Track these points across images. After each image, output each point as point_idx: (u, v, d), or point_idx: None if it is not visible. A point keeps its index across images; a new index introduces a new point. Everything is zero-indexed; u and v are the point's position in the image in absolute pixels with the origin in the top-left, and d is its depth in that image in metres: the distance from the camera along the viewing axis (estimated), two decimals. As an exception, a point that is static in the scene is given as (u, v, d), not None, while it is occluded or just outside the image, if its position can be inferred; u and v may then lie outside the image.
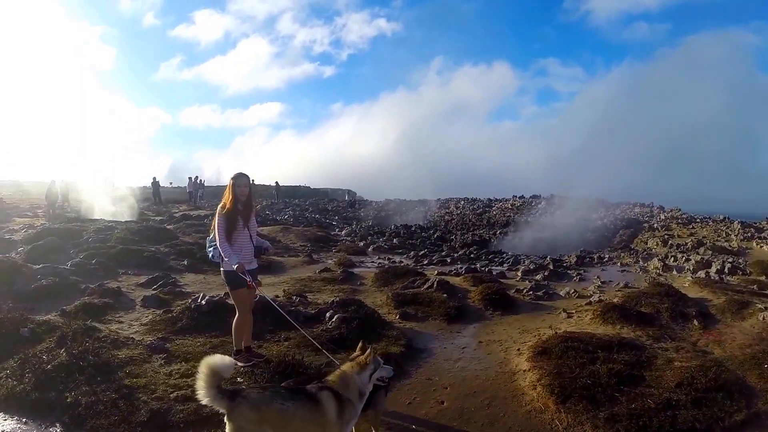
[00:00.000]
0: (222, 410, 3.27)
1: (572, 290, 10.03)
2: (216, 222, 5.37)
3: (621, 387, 4.95)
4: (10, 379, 4.85)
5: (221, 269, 5.48)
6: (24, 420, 4.38)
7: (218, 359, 3.28)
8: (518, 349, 6.37)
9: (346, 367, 3.72)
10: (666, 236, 18.23)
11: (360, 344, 3.94)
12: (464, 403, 5.05)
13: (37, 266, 9.63)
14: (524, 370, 5.63)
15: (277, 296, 8.76)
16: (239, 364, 5.41)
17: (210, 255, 5.63)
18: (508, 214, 29.39)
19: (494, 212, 31.42)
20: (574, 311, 8.17)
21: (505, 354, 6.34)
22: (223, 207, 5.37)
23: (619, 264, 15.25)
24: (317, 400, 3.44)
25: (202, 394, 3.21)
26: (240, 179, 5.47)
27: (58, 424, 4.30)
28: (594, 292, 9.86)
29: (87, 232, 15.60)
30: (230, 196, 5.38)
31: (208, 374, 3.21)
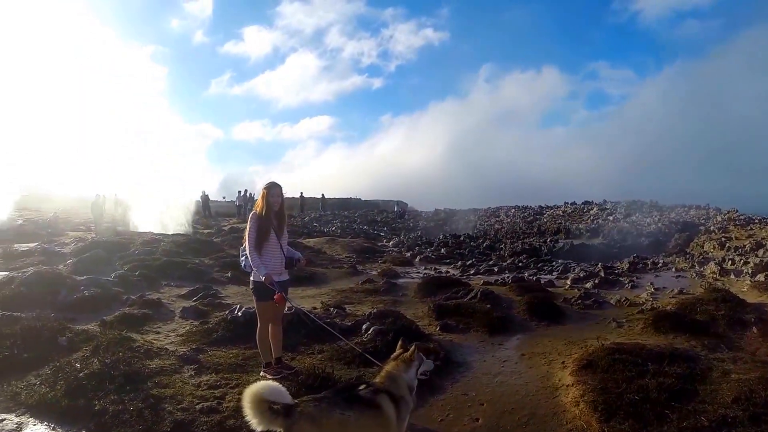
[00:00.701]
0: (279, 430, 3.26)
1: (623, 298, 9.81)
2: (247, 231, 5.48)
3: (671, 403, 4.67)
4: (43, 386, 5.12)
5: (250, 279, 5.58)
6: (52, 426, 4.60)
7: (260, 388, 3.30)
8: (563, 362, 6.16)
9: (390, 366, 3.80)
10: (723, 239, 17.30)
11: (400, 342, 4.04)
12: (500, 420, 4.91)
13: (81, 278, 10.13)
14: (567, 385, 5.43)
15: (315, 308, 8.87)
16: (268, 376, 5.49)
17: (242, 265, 5.74)
18: (559, 222, 28.87)
19: (545, 220, 31.02)
20: (624, 320, 7.96)
21: (548, 367, 6.16)
22: (256, 216, 5.47)
23: (673, 269, 14.72)
24: (377, 405, 3.48)
25: (255, 423, 3.23)
26: (273, 189, 5.56)
27: (84, 431, 4.49)
28: (646, 300, 9.64)
29: (134, 245, 16.32)
30: (263, 206, 5.48)
31: (254, 404, 3.23)
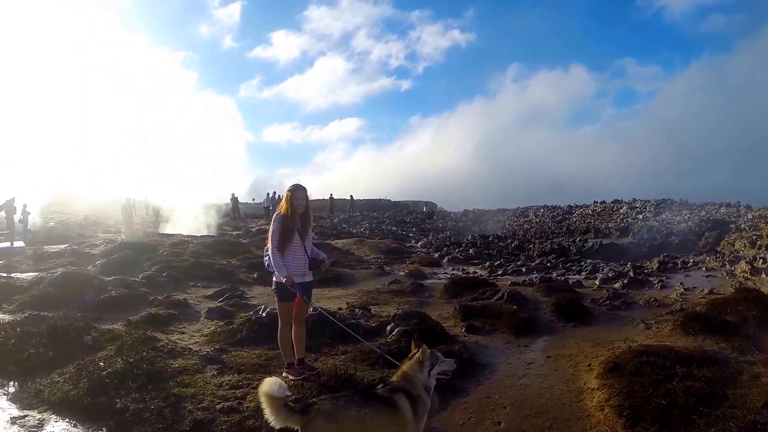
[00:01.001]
0: (296, 427, 3.32)
1: (652, 298, 9.61)
2: (270, 231, 5.50)
3: (699, 408, 4.50)
4: (66, 384, 5.25)
5: (273, 279, 5.60)
6: (74, 423, 4.71)
7: (267, 386, 3.34)
8: (589, 365, 6.03)
9: (406, 366, 3.81)
10: (754, 237, 16.69)
11: (413, 343, 4.00)
12: (522, 424, 4.81)
13: (109, 278, 10.36)
14: (592, 389, 5.29)
15: (340, 308, 8.88)
16: (290, 377, 5.49)
17: (266, 265, 5.76)
18: (588, 221, 28.68)
19: (574, 219, 30.89)
20: (653, 322, 7.81)
21: (573, 370, 6.03)
22: (280, 217, 5.49)
23: (704, 269, 14.35)
24: (393, 402, 3.51)
25: (273, 420, 3.31)
26: (298, 191, 5.55)
27: (104, 429, 4.58)
28: (676, 300, 9.44)
29: (162, 247, 16.67)
30: (287, 207, 5.49)
31: (267, 402, 3.31)
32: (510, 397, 5.42)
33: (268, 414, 3.31)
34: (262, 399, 3.34)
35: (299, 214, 5.54)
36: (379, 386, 3.72)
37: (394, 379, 3.77)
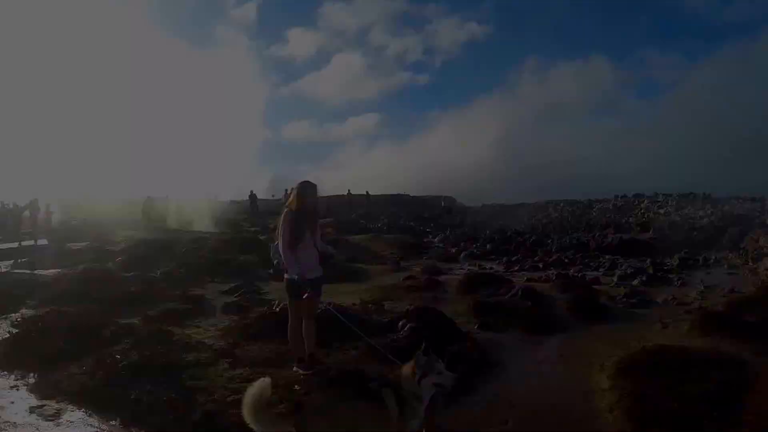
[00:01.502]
0: (290, 428, 3.34)
1: (671, 297, 9.50)
2: (280, 229, 5.59)
3: (713, 413, 4.42)
4: (83, 376, 5.45)
5: (284, 276, 5.69)
6: (89, 412, 4.90)
7: (249, 395, 3.34)
8: (601, 365, 5.93)
9: (404, 368, 3.79)
10: None
11: (423, 345, 3.97)
12: (530, 424, 4.81)
13: (128, 274, 10.61)
14: (603, 390, 5.25)
15: (354, 304, 8.92)
16: (300, 372, 5.59)
17: (275, 262, 5.86)
18: (609, 215, 28.57)
19: (594, 214, 30.69)
20: (670, 321, 7.64)
21: (585, 370, 5.97)
22: (290, 214, 5.55)
23: (726, 266, 14.19)
24: (381, 398, 3.54)
25: None
26: (307, 188, 5.61)
27: (117, 419, 4.75)
28: (695, 299, 9.29)
29: (181, 243, 16.92)
30: (296, 204, 5.56)
31: (253, 416, 3.27)
32: (519, 395, 5.41)
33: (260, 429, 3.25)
34: (249, 415, 3.26)
35: (308, 210, 5.62)
36: (374, 382, 3.75)
37: (390, 377, 3.78)
